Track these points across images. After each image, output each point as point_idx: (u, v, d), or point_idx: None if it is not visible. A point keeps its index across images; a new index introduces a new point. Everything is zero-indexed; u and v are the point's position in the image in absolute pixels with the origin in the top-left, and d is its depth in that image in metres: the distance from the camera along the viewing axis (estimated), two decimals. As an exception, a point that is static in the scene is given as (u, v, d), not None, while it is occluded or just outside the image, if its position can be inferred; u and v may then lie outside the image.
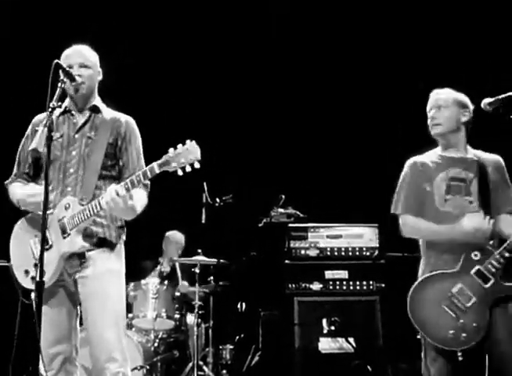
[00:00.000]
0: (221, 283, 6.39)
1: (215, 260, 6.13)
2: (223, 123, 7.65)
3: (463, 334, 3.43)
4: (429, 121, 3.77)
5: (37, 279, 3.06)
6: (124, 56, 7.17)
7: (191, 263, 6.25)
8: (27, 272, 3.49)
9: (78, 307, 3.59)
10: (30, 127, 3.73)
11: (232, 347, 6.56)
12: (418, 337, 3.61)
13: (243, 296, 6.85)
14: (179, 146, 3.19)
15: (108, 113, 3.71)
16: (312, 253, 5.90)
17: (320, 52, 7.54)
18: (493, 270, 3.47)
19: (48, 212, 3.21)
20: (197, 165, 3.16)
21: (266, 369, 6.14)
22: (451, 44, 7.01)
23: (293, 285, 5.82)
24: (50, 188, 3.47)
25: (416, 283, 3.60)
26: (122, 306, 3.61)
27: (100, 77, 3.73)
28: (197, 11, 7.43)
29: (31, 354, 3.13)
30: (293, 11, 7.41)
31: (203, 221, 6.19)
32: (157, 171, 3.22)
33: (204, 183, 6.06)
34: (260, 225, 6.46)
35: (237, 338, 6.74)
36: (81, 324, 3.65)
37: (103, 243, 3.55)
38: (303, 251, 5.92)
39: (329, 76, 7.52)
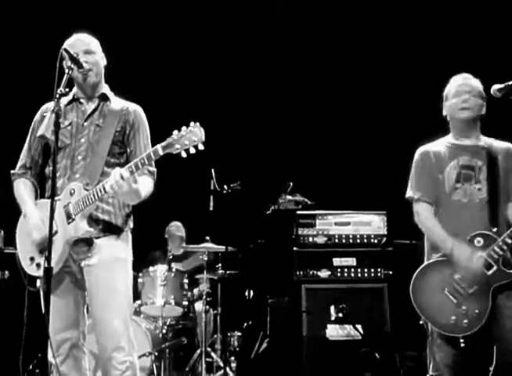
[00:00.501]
0: (229, 271, 6.39)
1: (223, 247, 6.13)
2: (231, 109, 7.64)
3: (465, 321, 3.45)
4: (458, 104, 3.72)
5: (46, 265, 3.06)
6: (129, 43, 7.17)
7: (199, 250, 6.25)
8: (32, 259, 3.50)
9: (85, 293, 3.60)
10: (38, 114, 3.73)
11: (240, 334, 6.58)
12: (421, 322, 3.63)
13: (251, 283, 6.86)
14: (183, 128, 3.18)
15: (117, 101, 3.72)
16: (320, 240, 5.90)
17: (327, 43, 7.52)
18: (496, 257, 3.46)
19: (55, 199, 3.21)
20: (201, 147, 3.15)
21: (274, 356, 6.15)
22: (453, 34, 6.98)
23: (301, 272, 5.82)
24: (58, 174, 3.48)
25: (419, 269, 3.63)
26: (128, 295, 3.61)
27: (105, 62, 3.73)
28: (196, 9, 7.43)
29: (39, 341, 3.14)
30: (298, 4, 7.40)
31: (211, 208, 6.18)
32: (161, 152, 3.22)
33: (212, 170, 6.04)
34: (268, 212, 6.46)
35: (245, 324, 6.75)
36: (87, 311, 3.67)
37: (109, 228, 3.55)
38: (311, 239, 5.91)
39: (338, 63, 7.49)
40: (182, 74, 7.60)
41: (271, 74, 7.61)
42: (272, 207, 6.39)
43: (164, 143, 3.21)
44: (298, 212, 6.08)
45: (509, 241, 3.46)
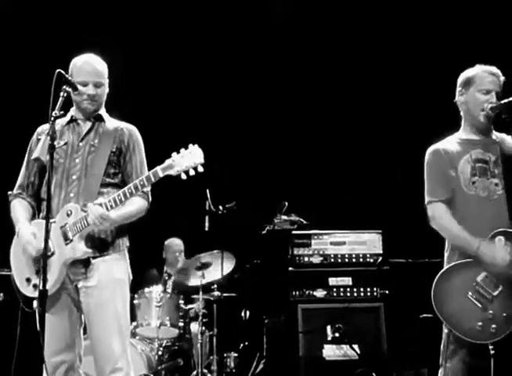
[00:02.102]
0: (225, 294, 6.36)
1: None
2: (226, 130, 7.65)
3: (493, 326, 3.28)
4: (484, 105, 3.57)
5: (40, 287, 3.05)
6: (123, 60, 7.18)
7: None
8: (28, 280, 3.49)
9: (82, 315, 3.59)
10: (34, 135, 3.74)
11: (236, 355, 6.53)
12: (445, 331, 3.42)
13: (247, 304, 6.84)
14: (182, 150, 3.22)
15: (111, 122, 3.74)
16: (316, 260, 5.89)
17: (321, 59, 7.54)
18: None
19: (51, 220, 3.21)
20: (201, 169, 3.20)
21: (271, 377, 6.13)
22: (450, 40, 7.01)
23: (297, 292, 5.80)
24: (52, 194, 3.48)
25: (439, 274, 3.43)
26: (126, 316, 3.61)
27: (107, 90, 3.75)
28: (197, 14, 7.45)
29: (34, 363, 3.12)
30: (295, 11, 7.42)
31: (206, 228, 6.18)
32: (161, 175, 3.26)
33: (207, 191, 6.05)
34: (263, 232, 6.45)
35: (241, 345, 6.72)
36: (84, 332, 3.65)
37: (106, 247, 3.55)
38: (306, 258, 5.90)
39: (330, 84, 7.51)
40: (176, 95, 7.62)
41: (265, 95, 7.63)
42: (268, 228, 6.38)
43: (163, 165, 3.25)
44: (294, 232, 6.08)
45: None
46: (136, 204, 3.57)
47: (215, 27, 7.47)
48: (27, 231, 3.51)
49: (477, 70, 3.64)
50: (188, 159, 3.19)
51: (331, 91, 7.54)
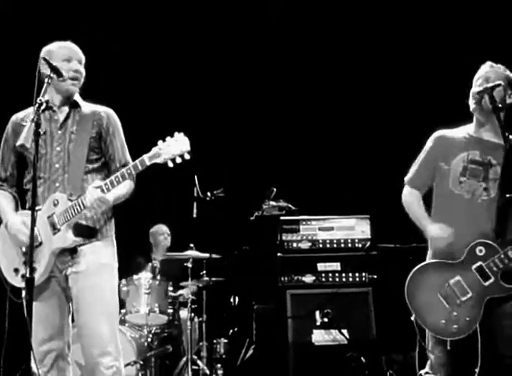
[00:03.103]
0: (213, 278, 6.37)
1: (207, 254, 6.11)
2: (213, 116, 7.63)
3: (454, 326, 3.39)
4: (473, 94, 3.55)
5: (27, 276, 3.04)
6: (113, 46, 7.15)
7: (183, 258, 6.23)
8: (16, 270, 3.47)
9: (70, 303, 3.58)
10: (8, 125, 3.69)
11: (225, 341, 6.56)
12: (412, 318, 3.56)
13: (235, 290, 6.84)
14: (168, 138, 3.25)
15: (87, 106, 3.71)
16: (304, 246, 5.89)
17: (311, 47, 7.54)
18: (495, 269, 3.37)
19: (36, 208, 3.19)
20: (187, 156, 3.24)
21: (260, 362, 6.13)
22: (448, 33, 7.01)
23: (286, 278, 5.81)
24: (41, 183, 3.47)
25: (417, 267, 3.54)
26: (115, 300, 3.62)
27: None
28: (194, 5, 7.41)
29: (23, 352, 3.11)
30: (293, 8, 7.40)
31: (194, 215, 6.17)
32: (148, 163, 3.28)
33: (195, 177, 6.03)
34: (251, 218, 6.45)
35: (231, 331, 6.74)
36: (72, 321, 3.64)
37: (93, 234, 3.55)
38: (295, 244, 5.90)
39: (317, 69, 7.51)
40: (164, 81, 7.59)
41: (252, 80, 7.61)
42: (256, 214, 6.38)
43: (150, 154, 3.27)
44: (282, 218, 6.07)
45: (511, 255, 3.36)
46: (127, 186, 3.58)
47: (208, 20, 7.45)
48: (17, 220, 3.49)
49: (482, 66, 3.63)
50: (174, 147, 3.22)
51: (316, 79, 7.53)
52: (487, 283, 3.39)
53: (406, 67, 7.13)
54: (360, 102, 7.44)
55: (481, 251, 3.41)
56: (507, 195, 3.43)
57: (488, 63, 3.61)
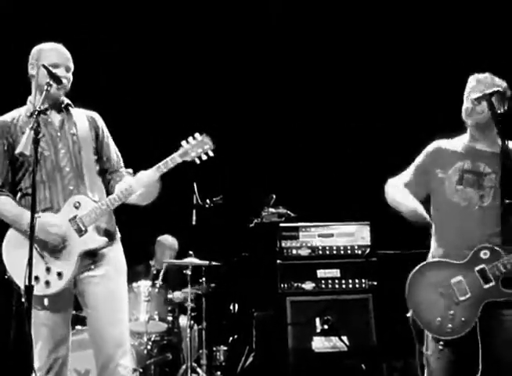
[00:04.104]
0: (213, 284, 6.36)
1: (207, 262, 6.11)
2: (212, 123, 7.61)
3: (449, 325, 3.42)
4: (467, 110, 3.59)
5: (26, 283, 3.02)
6: (113, 46, 7.14)
7: (183, 265, 6.23)
8: (36, 278, 3.40)
9: (71, 308, 3.60)
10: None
11: (225, 348, 6.55)
12: (408, 315, 3.56)
13: (235, 297, 6.84)
14: (190, 138, 3.52)
15: (77, 110, 3.73)
16: (304, 252, 5.89)
17: (311, 49, 7.54)
18: (497, 274, 3.40)
19: (36, 215, 3.16)
20: (211, 154, 3.54)
21: (260, 369, 6.13)
22: (448, 36, 7.03)
23: (286, 285, 5.80)
24: (41, 187, 3.46)
25: (420, 265, 3.57)
26: (127, 303, 3.68)
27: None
28: (196, 7, 7.42)
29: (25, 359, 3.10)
30: (293, 9, 7.41)
31: (193, 222, 6.17)
32: (179, 160, 3.48)
33: (194, 184, 6.04)
34: (251, 225, 6.45)
35: (231, 339, 6.73)
36: (72, 328, 3.65)
37: (111, 237, 3.59)
38: (295, 251, 5.90)
39: (316, 74, 7.51)
40: (164, 88, 7.59)
41: (252, 87, 7.61)
42: (255, 220, 6.38)
43: (180, 152, 3.48)
44: (281, 225, 6.08)
45: None
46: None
47: (209, 24, 7.46)
48: (45, 215, 3.44)
49: (469, 80, 3.65)
50: (200, 145, 3.50)
51: (318, 83, 7.54)
52: (486, 286, 3.42)
53: (410, 72, 7.13)
54: (361, 107, 7.44)
55: (485, 254, 3.43)
56: (507, 201, 3.45)
57: (475, 77, 3.63)
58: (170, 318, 6.10)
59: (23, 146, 3.11)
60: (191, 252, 6.19)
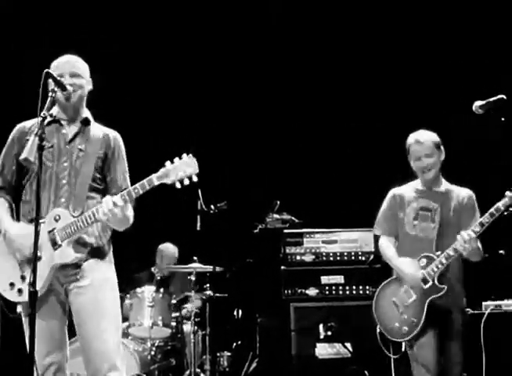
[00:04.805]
0: (217, 293, 6.36)
1: (211, 267, 6.12)
2: (217, 129, 7.64)
3: (404, 327, 4.12)
4: (419, 169, 4.26)
5: (31, 289, 3.04)
6: (113, 46, 7.16)
7: (187, 271, 6.24)
8: (12, 284, 3.44)
9: (66, 317, 3.58)
10: (14, 133, 3.65)
11: (229, 354, 6.55)
12: (377, 331, 4.32)
13: (239, 303, 6.84)
14: (176, 159, 3.24)
15: (97, 127, 3.70)
16: (308, 258, 5.90)
17: (316, 59, 7.55)
18: (432, 274, 4.09)
19: (40, 221, 3.19)
20: (195, 179, 3.22)
21: (264, 375, 6.13)
22: (448, 36, 7.04)
23: (290, 291, 5.81)
24: (41, 196, 3.46)
25: (382, 284, 4.36)
26: (118, 313, 3.60)
27: (90, 87, 3.71)
28: (196, 7, 7.45)
29: (23, 365, 3.11)
30: (293, 10, 7.42)
31: (198, 228, 6.18)
32: (156, 183, 3.26)
33: (199, 190, 6.05)
34: (255, 231, 6.46)
35: (234, 344, 6.73)
36: (69, 336, 3.64)
37: (97, 253, 3.53)
38: (298, 257, 5.91)
39: (322, 81, 7.52)
40: (167, 95, 7.61)
41: (255, 93, 7.63)
42: (260, 226, 6.39)
43: (158, 174, 3.25)
44: (286, 231, 6.09)
45: (444, 261, 4.07)
46: (131, 210, 3.57)
47: (209, 24, 7.47)
48: (16, 227, 3.47)
49: (410, 141, 4.33)
50: (182, 168, 3.21)
51: (322, 88, 7.55)
52: (426, 286, 4.11)
53: (412, 77, 7.14)
54: (364, 115, 7.44)
55: (423, 262, 4.16)
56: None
57: (413, 138, 4.29)
58: (174, 323, 6.10)
59: (28, 152, 3.12)
60: (195, 258, 6.21)
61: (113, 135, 3.70)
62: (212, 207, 6.17)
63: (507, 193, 3.90)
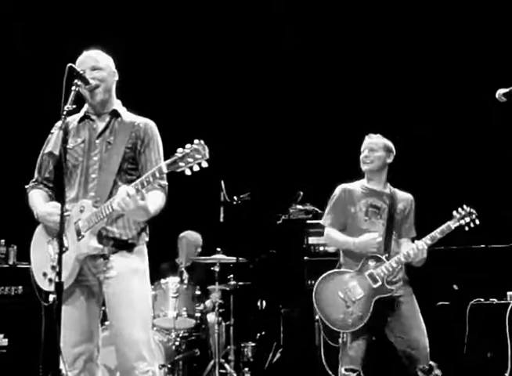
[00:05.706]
0: (240, 282, 6.38)
1: (235, 258, 6.14)
2: (240, 121, 7.66)
3: (349, 320, 4.31)
4: (362, 159, 4.66)
5: (57, 280, 3.09)
6: (134, 55, 7.20)
7: (210, 262, 6.27)
8: (44, 274, 3.52)
9: (101, 306, 3.63)
10: (53, 130, 3.71)
11: (253, 344, 6.57)
12: (316, 317, 4.55)
13: (263, 293, 6.86)
14: (187, 145, 3.17)
15: (128, 116, 3.70)
16: (331, 249, 5.90)
17: (319, 53, 7.58)
18: (382, 275, 4.35)
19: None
20: (205, 164, 3.14)
21: (288, 366, 6.15)
22: (447, 36, 7.02)
23: (313, 281, 5.79)
24: (74, 194, 3.53)
25: (324, 275, 4.52)
26: (149, 305, 3.66)
27: (116, 78, 3.74)
28: (195, 7, 7.47)
29: (52, 354, 3.16)
30: (294, 10, 7.43)
31: (221, 219, 6.19)
32: (165, 170, 3.21)
33: (222, 182, 6.06)
34: (278, 222, 6.47)
35: (258, 335, 6.75)
36: (102, 324, 3.69)
37: (121, 245, 3.56)
38: (322, 247, 5.92)
39: (333, 76, 7.53)
40: (189, 86, 7.64)
41: (278, 84, 7.64)
42: (283, 217, 6.41)
43: (168, 161, 3.20)
44: (308, 221, 6.10)
45: (394, 265, 4.35)
46: (159, 199, 3.57)
47: (215, 25, 7.51)
48: (47, 206, 3.53)
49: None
50: (192, 155, 3.13)
51: (336, 81, 7.55)
52: (375, 286, 4.36)
53: (410, 75, 7.13)
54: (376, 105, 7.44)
55: (372, 261, 4.41)
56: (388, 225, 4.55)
57: (368, 137, 4.72)
58: (198, 314, 6.13)
59: (53, 146, 3.16)
60: (219, 249, 6.24)
61: (144, 122, 3.69)
62: (235, 198, 6.19)
63: (454, 213, 4.33)
